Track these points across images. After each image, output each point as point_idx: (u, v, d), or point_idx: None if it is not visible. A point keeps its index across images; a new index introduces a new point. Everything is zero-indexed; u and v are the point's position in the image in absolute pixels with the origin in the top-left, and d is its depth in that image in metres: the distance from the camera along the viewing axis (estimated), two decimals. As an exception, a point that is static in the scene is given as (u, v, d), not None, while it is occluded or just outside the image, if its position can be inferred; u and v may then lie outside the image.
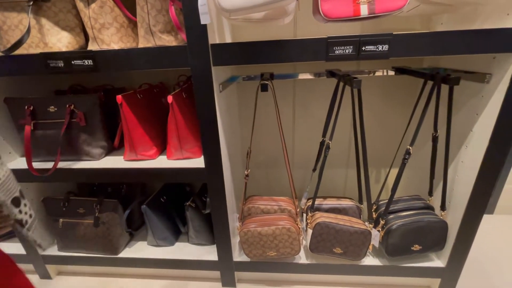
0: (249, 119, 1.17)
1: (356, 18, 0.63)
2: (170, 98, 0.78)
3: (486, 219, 1.38)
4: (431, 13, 0.86)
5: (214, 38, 0.75)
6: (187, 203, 0.99)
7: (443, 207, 0.89)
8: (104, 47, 0.76)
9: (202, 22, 0.63)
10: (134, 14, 0.74)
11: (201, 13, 0.63)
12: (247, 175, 0.89)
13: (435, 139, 0.86)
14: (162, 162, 0.90)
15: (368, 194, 0.90)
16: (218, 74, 0.78)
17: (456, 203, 0.86)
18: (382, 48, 0.65)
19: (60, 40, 0.80)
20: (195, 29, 0.66)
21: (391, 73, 0.92)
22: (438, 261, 0.95)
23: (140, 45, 0.74)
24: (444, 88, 0.84)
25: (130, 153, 0.88)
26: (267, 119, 1.19)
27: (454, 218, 0.87)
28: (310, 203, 0.97)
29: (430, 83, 0.79)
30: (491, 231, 1.29)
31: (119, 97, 0.79)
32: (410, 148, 0.80)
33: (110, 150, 1.00)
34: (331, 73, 0.93)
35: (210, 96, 0.73)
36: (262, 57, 0.69)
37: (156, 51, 0.71)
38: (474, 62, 0.78)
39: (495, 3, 0.69)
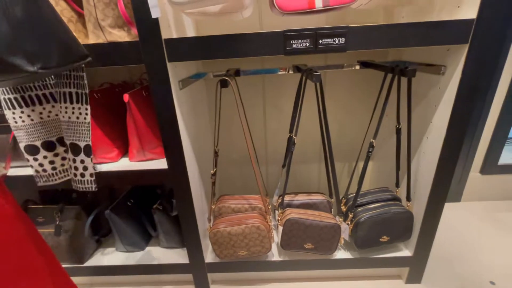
0: (223, 116, 1.14)
1: (311, 10, 0.62)
2: (126, 97, 0.74)
3: (453, 206, 1.44)
4: (388, 5, 0.87)
5: (170, 33, 0.71)
6: (154, 206, 0.95)
7: (408, 197, 0.91)
8: (51, 43, 0.71)
9: (153, 16, 0.60)
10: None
11: (151, 7, 0.59)
12: (213, 174, 0.86)
13: (398, 131, 0.87)
14: (123, 164, 0.85)
15: (336, 188, 0.91)
16: (177, 70, 0.75)
17: (420, 193, 0.88)
18: (339, 41, 0.64)
19: None
20: (146, 23, 0.63)
21: (356, 66, 0.92)
22: (406, 251, 0.97)
23: (91, 41, 0.70)
24: (405, 81, 0.86)
25: (88, 156, 0.83)
26: (238, 116, 1.17)
27: (418, 208, 0.89)
28: (280, 201, 0.96)
29: (391, 76, 0.79)
30: (458, 218, 1.35)
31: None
32: (373, 141, 0.81)
33: (69, 153, 0.94)
34: (297, 68, 0.93)
35: (167, 94, 0.70)
36: (219, 51, 0.66)
37: (107, 47, 0.67)
38: (432, 54, 0.80)
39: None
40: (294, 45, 0.65)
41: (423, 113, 0.85)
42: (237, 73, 0.96)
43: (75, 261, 0.99)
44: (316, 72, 0.70)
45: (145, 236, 1.08)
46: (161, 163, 0.84)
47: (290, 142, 0.84)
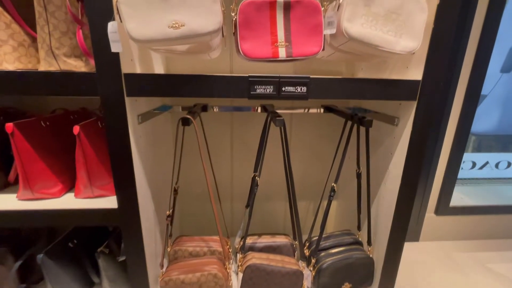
0: (189, 149, 1.10)
1: (275, 60, 0.65)
2: (76, 129, 0.68)
3: (412, 246, 1.48)
4: (349, 60, 0.94)
5: (132, 67, 0.69)
6: (99, 249, 0.84)
7: (369, 242, 0.91)
8: (-5, 67, 0.64)
9: (113, 50, 0.58)
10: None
11: (111, 41, 0.57)
12: (168, 216, 0.80)
13: (358, 176, 0.90)
14: (67, 201, 0.76)
15: (299, 232, 0.89)
16: (138, 104, 0.72)
17: (380, 238, 0.89)
18: (301, 89, 0.67)
19: None
20: (105, 56, 0.60)
21: (321, 110, 0.96)
22: (368, 298, 0.95)
23: (41, 68, 0.65)
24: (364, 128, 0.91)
25: (24, 191, 0.73)
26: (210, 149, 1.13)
27: (379, 252, 0.89)
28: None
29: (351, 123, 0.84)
30: (417, 258, 1.38)
31: (9, 126, 0.66)
32: (335, 185, 0.81)
33: (5, 185, 0.82)
34: (264, 108, 0.94)
35: (123, 129, 0.66)
36: (182, 90, 0.65)
37: (59, 76, 0.62)
38: (388, 106, 0.86)
39: (396, 57, 0.78)
40: (258, 90, 0.66)
41: (381, 159, 0.89)
42: (204, 108, 0.95)
43: (-9, 317, 0.82)
44: (279, 116, 0.71)
45: (87, 283, 0.94)
46: (110, 201, 0.76)
47: (254, 183, 0.82)
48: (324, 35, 0.66)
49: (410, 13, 0.62)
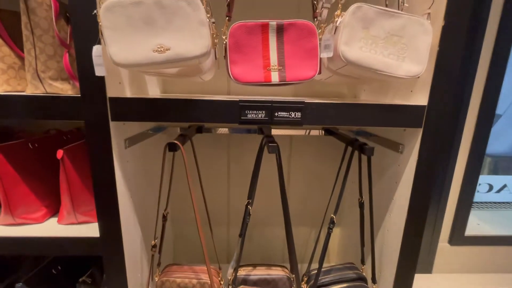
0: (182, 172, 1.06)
1: (268, 84, 0.61)
2: (60, 153, 0.65)
3: (425, 278, 1.36)
4: (348, 83, 0.90)
5: (120, 90, 0.67)
6: (81, 279, 0.79)
7: (373, 279, 0.83)
8: (-18, 89, 0.63)
9: (97, 74, 0.56)
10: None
11: (95, 64, 0.55)
12: (153, 246, 0.75)
13: (361, 205, 0.83)
14: (48, 228, 0.72)
15: (295, 265, 0.81)
16: (126, 128, 0.69)
17: (386, 275, 0.81)
18: (295, 115, 0.62)
19: None
20: (90, 79, 0.58)
21: (315, 132, 0.92)
22: None
23: (28, 91, 0.63)
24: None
25: (5, 215, 0.70)
26: (203, 173, 1.09)
27: (385, 291, 0.81)
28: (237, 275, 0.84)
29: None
30: (430, 294, 1.26)
31: (-9, 149, 0.64)
32: (334, 216, 0.75)
33: (-12, 208, 0.79)
34: (260, 130, 0.90)
35: (107, 155, 0.62)
36: (169, 115, 0.62)
37: (43, 99, 0.60)
38: (393, 131, 0.80)
39: (400, 80, 0.73)
40: (249, 115, 0.62)
41: (386, 188, 0.82)
42: (199, 130, 0.92)
43: None
44: (273, 142, 0.67)
45: (69, 313, 0.88)
46: (94, 229, 0.71)
47: (246, 212, 0.76)
48: (322, 58, 0.62)
49: (413, 35, 0.58)
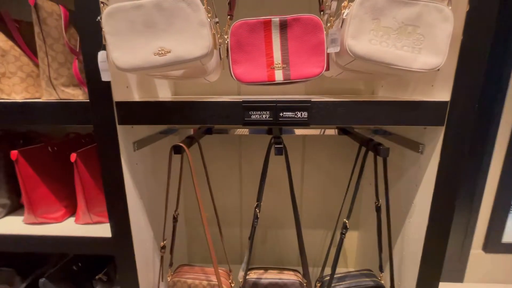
0: (198, 174, 1.07)
1: (272, 83, 0.59)
2: (73, 156, 0.68)
3: (456, 287, 1.25)
4: (361, 79, 0.84)
5: (128, 94, 0.68)
6: (97, 277, 0.82)
7: (392, 288, 0.77)
8: (4, 97, 0.68)
9: (103, 79, 0.57)
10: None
11: (101, 70, 0.56)
12: (162, 247, 0.75)
13: (377, 209, 0.77)
14: (65, 227, 0.76)
15: (306, 270, 0.78)
16: (134, 131, 0.70)
17: (406, 285, 0.75)
18: (301, 115, 0.59)
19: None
20: (98, 85, 0.60)
21: (330, 131, 0.87)
22: None
23: (43, 98, 0.67)
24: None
25: (28, 215, 0.75)
26: (215, 174, 1.10)
27: (405, 303, 0.75)
28: (247, 278, 0.83)
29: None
30: (460, 306, 1.16)
31: (14, 153, 0.68)
32: (347, 221, 0.71)
33: (16, 208, 0.85)
34: (269, 130, 0.88)
35: (115, 157, 0.64)
36: (173, 117, 0.61)
37: (55, 106, 0.63)
38: (412, 129, 0.74)
39: (418, 74, 0.67)
40: (253, 116, 0.60)
41: (404, 191, 0.76)
42: (208, 131, 0.92)
43: (-2, 338, 0.84)
44: (279, 144, 0.64)
45: (88, 308, 0.93)
46: (108, 229, 0.74)
47: (254, 216, 0.75)
48: (329, 53, 0.59)
49: (431, 24, 0.53)
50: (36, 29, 0.60)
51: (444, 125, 0.59)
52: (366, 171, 0.75)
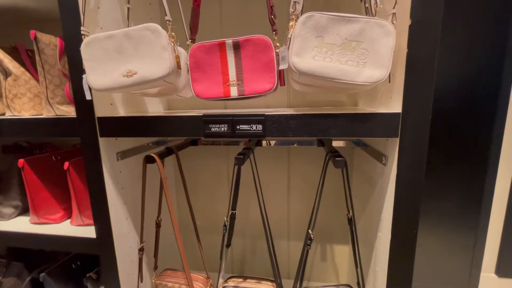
0: (191, 183, 1.14)
1: (227, 98, 0.64)
2: (66, 164, 0.78)
3: (466, 315, 1.14)
4: (320, 92, 0.85)
5: (113, 110, 0.77)
6: (88, 275, 0.91)
7: (365, 305, 0.75)
8: (16, 114, 0.81)
9: (87, 98, 0.66)
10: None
11: (85, 90, 0.66)
12: (140, 249, 0.81)
13: (349, 221, 0.77)
14: (61, 228, 0.86)
15: (278, 282, 0.79)
16: (116, 143, 0.79)
17: (380, 303, 0.72)
18: (257, 127, 0.63)
19: (-14, 106, 0.86)
20: (83, 103, 0.69)
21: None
22: None
23: (44, 115, 0.78)
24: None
25: (32, 216, 0.86)
26: (204, 183, 1.16)
27: (378, 322, 0.72)
28: (225, 285, 0.86)
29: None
30: (467, 334, 1.05)
31: (20, 161, 0.80)
32: (311, 232, 0.71)
33: (27, 209, 0.98)
34: (248, 145, 0.92)
35: (97, 166, 0.73)
36: (145, 131, 0.69)
37: (49, 121, 0.74)
38: (380, 140, 0.73)
39: (382, 87, 0.67)
40: (212, 129, 0.65)
41: (376, 203, 0.75)
42: (194, 142, 0.98)
43: (7, 325, 0.95)
44: (240, 156, 0.68)
45: (84, 304, 1.01)
46: (94, 231, 0.82)
47: (223, 224, 0.78)
48: (283, 70, 0.63)
49: (373, 39, 0.54)
50: (37, 57, 0.72)
51: (399, 137, 0.58)
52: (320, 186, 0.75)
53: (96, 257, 1.07)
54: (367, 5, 0.68)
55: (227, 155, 1.12)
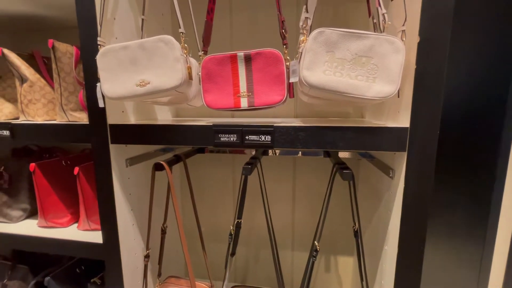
0: (197, 190, 1.14)
1: (237, 109, 0.65)
2: (76, 170, 0.80)
3: (472, 332, 1.11)
4: (328, 104, 0.87)
5: (125, 118, 0.79)
6: (92, 280, 0.91)
7: (371, 320, 0.74)
8: (30, 119, 0.83)
9: (100, 105, 0.68)
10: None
11: (98, 98, 0.68)
12: (146, 256, 0.82)
13: (355, 234, 0.76)
14: (68, 232, 0.87)
15: (282, 292, 0.78)
16: (126, 149, 0.80)
17: (385, 318, 0.71)
18: (265, 138, 0.64)
19: (1, 110, 0.88)
20: (95, 110, 0.71)
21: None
22: None
23: (57, 120, 0.80)
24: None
25: (40, 219, 0.87)
26: (210, 190, 1.16)
27: (384, 337, 0.71)
28: (228, 294, 0.86)
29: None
30: None
31: (32, 165, 0.82)
32: (317, 244, 0.71)
33: (35, 212, 0.99)
34: (254, 155, 0.93)
35: (107, 172, 0.74)
36: (155, 139, 0.70)
37: (62, 127, 0.75)
38: (388, 153, 0.74)
39: (390, 101, 0.68)
40: (222, 139, 0.66)
41: (382, 217, 0.74)
42: (201, 150, 0.99)
43: (10, 328, 0.95)
44: (248, 165, 0.69)
45: (87, 310, 1.01)
46: (100, 236, 0.83)
47: (229, 233, 0.78)
48: (294, 83, 0.64)
49: (383, 54, 0.55)
50: (53, 65, 0.74)
51: (406, 151, 0.59)
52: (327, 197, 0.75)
53: (100, 262, 1.07)
54: (375, 20, 0.69)
55: (233, 163, 1.13)
